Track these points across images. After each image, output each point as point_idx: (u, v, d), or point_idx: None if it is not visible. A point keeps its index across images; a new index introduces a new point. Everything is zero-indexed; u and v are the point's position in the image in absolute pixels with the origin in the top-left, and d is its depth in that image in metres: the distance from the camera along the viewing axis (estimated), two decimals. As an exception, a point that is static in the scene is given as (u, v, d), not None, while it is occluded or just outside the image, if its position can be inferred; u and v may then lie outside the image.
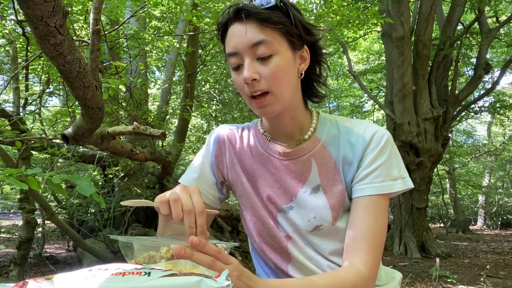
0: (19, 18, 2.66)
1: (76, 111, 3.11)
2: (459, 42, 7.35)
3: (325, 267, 0.87)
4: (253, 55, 0.78)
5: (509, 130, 13.89)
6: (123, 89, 3.37)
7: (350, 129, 0.88)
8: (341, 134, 0.88)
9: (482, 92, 9.29)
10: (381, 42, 8.36)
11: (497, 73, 10.09)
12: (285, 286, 0.71)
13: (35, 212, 4.24)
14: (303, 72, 0.85)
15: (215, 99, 9.53)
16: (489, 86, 8.92)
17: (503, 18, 8.59)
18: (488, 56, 8.59)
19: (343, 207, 0.86)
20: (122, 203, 0.73)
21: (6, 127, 2.99)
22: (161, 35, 4.32)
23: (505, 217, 15.46)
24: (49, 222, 4.91)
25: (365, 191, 0.83)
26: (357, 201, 0.84)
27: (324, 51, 0.89)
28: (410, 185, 0.85)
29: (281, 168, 0.90)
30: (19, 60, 3.82)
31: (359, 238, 0.81)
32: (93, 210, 5.07)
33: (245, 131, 0.99)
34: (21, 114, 3.36)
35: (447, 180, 13.24)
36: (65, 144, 2.62)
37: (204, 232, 0.66)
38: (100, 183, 5.34)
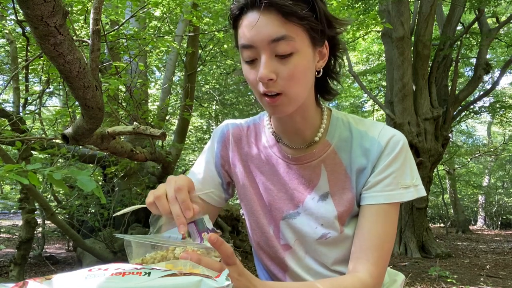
0: (19, 18, 2.66)
1: (76, 111, 3.11)
2: (459, 42, 7.34)
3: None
4: (271, 51, 0.70)
5: (509, 130, 13.87)
6: (123, 89, 3.37)
7: (364, 132, 0.83)
8: (353, 138, 0.83)
9: (482, 92, 9.29)
10: (381, 42, 8.36)
11: (497, 73, 10.10)
12: None
13: (35, 212, 4.23)
14: (321, 70, 0.79)
15: (215, 100, 9.53)
16: (489, 86, 8.92)
17: (503, 18, 8.58)
18: (488, 56, 8.58)
19: (351, 214, 0.83)
20: (116, 214, 0.73)
21: (6, 127, 2.98)
22: (161, 35, 4.32)
23: (505, 217, 15.43)
24: (49, 222, 4.91)
25: (376, 199, 0.80)
26: (366, 209, 0.81)
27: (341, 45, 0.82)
28: (423, 193, 0.81)
29: (289, 173, 0.86)
30: (19, 60, 3.82)
31: (367, 247, 0.78)
32: (93, 210, 5.07)
33: (251, 129, 0.93)
34: (21, 114, 3.36)
35: (447, 180, 13.22)
36: (65, 144, 2.62)
37: (188, 207, 0.64)
38: (100, 183, 5.34)
